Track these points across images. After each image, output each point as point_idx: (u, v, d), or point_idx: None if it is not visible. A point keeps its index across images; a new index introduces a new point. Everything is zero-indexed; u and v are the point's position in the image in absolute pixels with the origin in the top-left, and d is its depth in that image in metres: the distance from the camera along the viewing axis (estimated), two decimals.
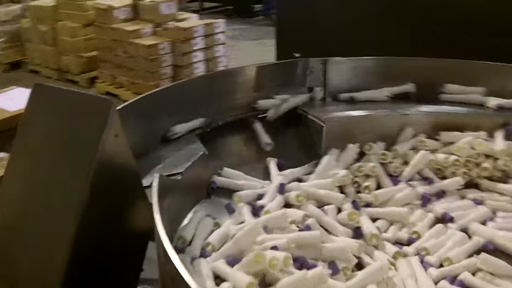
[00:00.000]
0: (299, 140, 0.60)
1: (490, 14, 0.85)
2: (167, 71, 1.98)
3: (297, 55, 0.63)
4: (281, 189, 0.53)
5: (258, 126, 0.61)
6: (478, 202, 0.54)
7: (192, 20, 2.09)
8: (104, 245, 0.40)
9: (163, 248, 0.38)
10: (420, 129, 0.60)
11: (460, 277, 0.46)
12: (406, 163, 0.58)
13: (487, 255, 0.47)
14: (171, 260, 0.36)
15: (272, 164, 0.57)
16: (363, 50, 0.68)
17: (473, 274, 0.46)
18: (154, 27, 2.02)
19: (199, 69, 2.03)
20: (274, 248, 0.44)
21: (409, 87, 0.65)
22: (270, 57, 1.63)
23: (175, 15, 2.06)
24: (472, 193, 0.56)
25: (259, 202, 0.52)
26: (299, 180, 0.56)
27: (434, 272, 0.46)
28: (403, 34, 0.92)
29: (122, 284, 0.44)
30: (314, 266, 0.45)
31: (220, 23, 2.09)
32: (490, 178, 0.57)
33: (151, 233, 0.44)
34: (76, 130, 0.40)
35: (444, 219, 0.52)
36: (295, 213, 0.51)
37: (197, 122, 0.56)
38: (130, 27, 1.99)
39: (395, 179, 0.56)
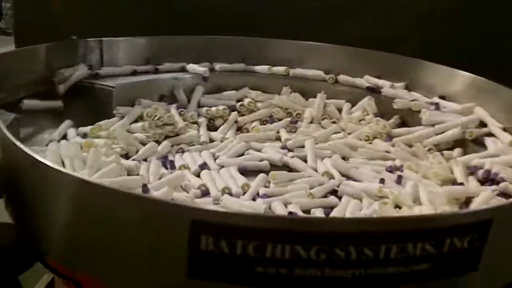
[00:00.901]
0: (90, 108, 0.69)
1: None
2: None
3: (74, 37, 0.72)
4: None
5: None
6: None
7: None
8: None
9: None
10: None
11: (261, 192, 0.58)
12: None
13: (274, 171, 0.61)
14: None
15: None
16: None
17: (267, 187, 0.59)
18: None
19: None
20: None
21: None
22: None
23: None
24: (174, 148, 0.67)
25: None
26: None
27: (246, 198, 0.57)
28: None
29: None
30: None
31: None
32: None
33: None
34: None
35: (202, 167, 0.63)
36: None
37: None
38: None
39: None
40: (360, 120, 0.76)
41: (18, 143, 0.43)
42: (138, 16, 0.99)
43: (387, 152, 0.68)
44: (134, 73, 0.77)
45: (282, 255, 0.38)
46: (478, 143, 0.68)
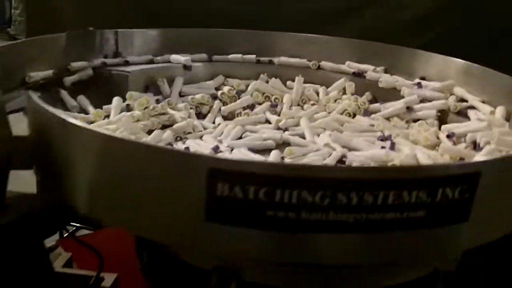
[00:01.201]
0: (107, 92, 0.74)
1: None
2: None
3: (91, 28, 0.76)
4: None
5: (63, 92, 0.72)
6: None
7: None
8: None
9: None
10: None
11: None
12: None
13: (289, 147, 0.64)
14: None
15: None
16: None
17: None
18: None
19: None
20: None
21: None
22: None
23: None
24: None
25: None
26: None
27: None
28: None
29: None
30: None
31: None
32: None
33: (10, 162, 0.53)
34: None
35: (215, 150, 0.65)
36: None
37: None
38: None
39: None
40: (336, 100, 0.81)
41: (50, 109, 0.48)
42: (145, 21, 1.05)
43: (372, 125, 0.73)
44: (104, 65, 0.77)
45: (290, 200, 0.43)
46: (461, 115, 0.73)
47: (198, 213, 0.43)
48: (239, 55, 0.87)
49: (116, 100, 0.71)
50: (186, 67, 0.82)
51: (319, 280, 0.53)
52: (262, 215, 0.43)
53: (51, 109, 0.48)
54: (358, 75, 0.84)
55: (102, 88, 0.74)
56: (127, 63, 0.79)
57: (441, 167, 0.48)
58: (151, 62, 0.82)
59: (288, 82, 0.85)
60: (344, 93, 0.82)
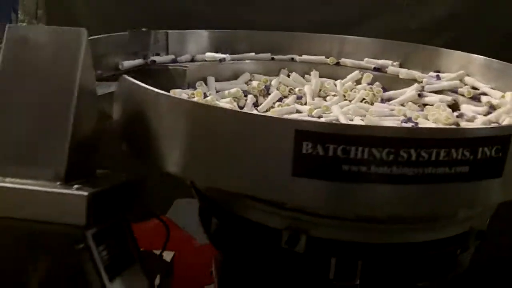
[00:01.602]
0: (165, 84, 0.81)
1: None
2: None
3: (144, 29, 0.84)
4: None
5: None
6: None
7: None
8: None
9: None
10: None
11: None
12: None
13: None
14: None
15: None
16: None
17: None
18: None
19: None
20: None
21: None
22: None
23: None
24: None
25: None
26: None
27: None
28: None
29: None
30: None
31: None
32: None
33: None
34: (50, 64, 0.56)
35: None
36: None
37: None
38: None
39: None
40: (352, 89, 0.89)
41: (144, 85, 0.56)
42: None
43: (392, 110, 0.81)
44: (117, 69, 0.78)
45: (362, 156, 0.51)
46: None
47: (285, 169, 0.52)
48: (252, 54, 0.95)
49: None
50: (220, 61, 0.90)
51: (372, 234, 0.62)
52: (339, 169, 0.52)
53: (146, 85, 0.56)
54: (377, 70, 0.94)
55: (160, 81, 0.81)
56: (153, 63, 0.84)
57: (481, 129, 0.58)
58: (174, 61, 0.87)
59: (306, 76, 0.94)
60: (358, 83, 0.91)
